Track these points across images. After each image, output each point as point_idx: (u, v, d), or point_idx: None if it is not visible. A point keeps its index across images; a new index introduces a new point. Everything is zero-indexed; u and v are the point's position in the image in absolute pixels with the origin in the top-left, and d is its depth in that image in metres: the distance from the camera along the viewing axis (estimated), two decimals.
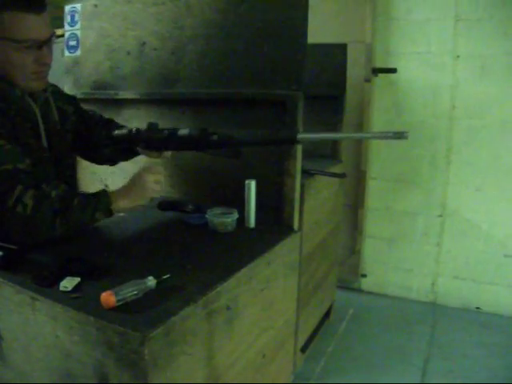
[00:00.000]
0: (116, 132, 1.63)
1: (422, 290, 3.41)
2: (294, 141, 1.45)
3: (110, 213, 1.39)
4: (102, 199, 1.38)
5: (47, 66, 1.42)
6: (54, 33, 1.40)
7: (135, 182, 1.46)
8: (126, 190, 1.45)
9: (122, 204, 1.41)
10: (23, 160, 1.33)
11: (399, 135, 1.28)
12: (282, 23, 1.68)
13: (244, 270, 1.31)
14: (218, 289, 1.18)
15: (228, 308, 1.24)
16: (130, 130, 1.60)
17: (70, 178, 1.63)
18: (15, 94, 1.39)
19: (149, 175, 1.46)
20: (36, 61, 1.36)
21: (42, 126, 1.47)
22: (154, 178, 1.46)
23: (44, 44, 1.36)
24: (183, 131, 1.51)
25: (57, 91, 1.67)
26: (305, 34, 1.66)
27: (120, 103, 2.09)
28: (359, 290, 3.60)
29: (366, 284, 3.59)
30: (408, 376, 2.51)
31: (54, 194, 1.31)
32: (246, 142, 1.49)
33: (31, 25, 1.32)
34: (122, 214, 1.80)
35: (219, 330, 1.23)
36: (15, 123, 1.37)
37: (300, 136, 1.43)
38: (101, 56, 2.11)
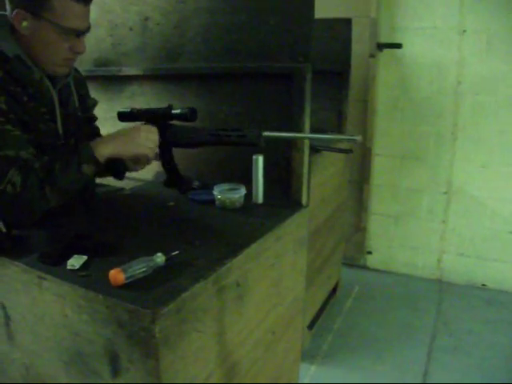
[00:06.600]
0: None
1: (428, 267, 3.42)
2: (258, 144, 1.41)
3: (96, 162, 1.31)
4: (83, 151, 1.31)
5: (79, 54, 1.40)
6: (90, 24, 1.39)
7: (126, 133, 1.39)
8: (112, 137, 1.39)
9: (105, 151, 1.33)
10: (27, 148, 1.29)
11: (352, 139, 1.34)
12: None
13: (253, 246, 1.29)
14: (228, 265, 1.17)
15: (237, 284, 1.23)
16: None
17: None
18: (33, 77, 1.35)
19: (143, 132, 1.39)
20: (71, 48, 1.35)
21: (58, 111, 1.44)
22: (147, 136, 1.39)
23: (82, 34, 1.36)
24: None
25: (80, 78, 1.64)
26: (311, 6, 1.61)
27: (123, 80, 2.06)
28: (365, 267, 3.61)
29: (371, 261, 3.60)
30: (414, 352, 2.53)
31: (37, 165, 1.27)
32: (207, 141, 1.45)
33: (79, 14, 1.31)
34: (127, 192, 1.80)
35: (229, 306, 1.21)
36: (28, 108, 1.34)
37: (265, 134, 1.39)
38: (103, 32, 2.06)
